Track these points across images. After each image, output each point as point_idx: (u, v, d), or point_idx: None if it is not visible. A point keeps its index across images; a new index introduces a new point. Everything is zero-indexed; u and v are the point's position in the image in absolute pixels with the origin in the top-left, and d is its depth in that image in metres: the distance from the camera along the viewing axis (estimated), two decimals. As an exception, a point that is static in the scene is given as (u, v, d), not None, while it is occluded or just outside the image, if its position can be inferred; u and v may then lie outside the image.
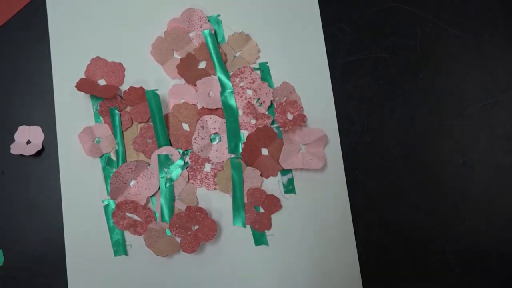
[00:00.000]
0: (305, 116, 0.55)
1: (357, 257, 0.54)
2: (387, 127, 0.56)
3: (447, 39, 0.57)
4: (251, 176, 0.55)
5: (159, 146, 0.55)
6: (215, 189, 0.56)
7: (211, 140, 0.56)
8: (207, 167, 0.56)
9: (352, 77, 0.57)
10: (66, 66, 0.57)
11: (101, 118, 0.56)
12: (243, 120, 0.56)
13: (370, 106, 0.57)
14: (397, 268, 0.54)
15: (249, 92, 0.56)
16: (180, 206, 0.55)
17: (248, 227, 0.55)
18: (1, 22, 0.58)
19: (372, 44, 0.57)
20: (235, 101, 0.56)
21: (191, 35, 0.57)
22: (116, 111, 0.56)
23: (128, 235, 0.55)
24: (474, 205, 0.55)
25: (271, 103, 0.56)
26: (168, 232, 0.54)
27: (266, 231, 0.55)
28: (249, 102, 0.56)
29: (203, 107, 0.56)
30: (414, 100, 0.56)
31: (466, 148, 0.55)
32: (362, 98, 0.57)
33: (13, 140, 0.56)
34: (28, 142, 0.56)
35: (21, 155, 0.56)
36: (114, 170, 0.55)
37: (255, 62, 0.57)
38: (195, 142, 0.55)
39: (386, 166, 0.56)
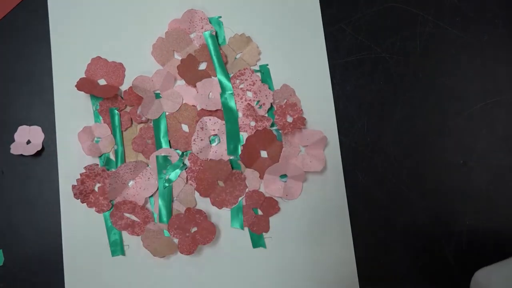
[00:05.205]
0: (305, 119, 0.52)
1: (355, 259, 0.51)
2: (387, 127, 0.53)
3: (447, 39, 0.54)
4: (249, 178, 0.52)
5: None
6: (214, 189, 0.52)
7: (210, 141, 0.52)
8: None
9: (352, 77, 0.54)
10: (67, 65, 0.54)
11: (101, 117, 0.53)
12: (243, 122, 0.52)
13: (370, 106, 0.53)
14: (396, 268, 0.51)
15: (249, 94, 0.53)
16: (178, 207, 0.52)
17: (246, 229, 0.52)
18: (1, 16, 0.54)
19: (372, 44, 0.54)
20: (235, 103, 0.52)
21: (192, 36, 0.54)
22: (116, 111, 0.52)
23: (125, 235, 0.52)
24: (474, 205, 0.51)
25: (271, 106, 0.53)
26: (166, 233, 0.51)
27: (264, 233, 0.52)
28: (249, 104, 0.52)
29: (202, 109, 0.52)
30: (414, 100, 0.53)
31: (466, 148, 0.52)
32: (362, 98, 0.53)
33: (13, 140, 0.53)
34: (28, 142, 0.53)
35: (21, 155, 0.52)
36: (113, 170, 0.52)
37: (256, 64, 0.54)
38: (194, 143, 0.52)
39: (386, 166, 0.52)
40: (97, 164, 0.51)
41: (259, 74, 0.54)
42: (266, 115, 0.53)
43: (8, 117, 0.53)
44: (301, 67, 0.54)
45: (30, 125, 0.53)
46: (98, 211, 0.51)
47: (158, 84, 0.52)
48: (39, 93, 0.54)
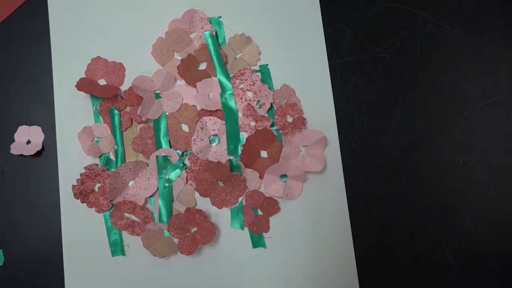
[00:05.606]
0: (305, 119, 0.52)
1: (355, 259, 0.51)
2: (387, 127, 0.52)
3: (447, 39, 0.53)
4: (249, 178, 0.51)
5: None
6: (214, 189, 0.52)
7: (210, 141, 0.52)
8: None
9: (352, 77, 0.53)
10: (67, 65, 0.53)
11: (101, 117, 0.52)
12: (243, 122, 0.52)
13: (370, 106, 0.53)
14: (396, 268, 0.51)
15: (249, 94, 0.52)
16: (178, 207, 0.51)
17: (246, 229, 0.51)
18: (1, 19, 0.54)
19: (372, 44, 0.53)
20: (235, 103, 0.52)
21: (192, 36, 0.53)
22: (116, 111, 0.52)
23: (125, 235, 0.51)
24: (474, 205, 0.51)
25: (271, 106, 0.52)
26: (166, 233, 0.50)
27: (264, 233, 0.51)
28: (249, 104, 0.52)
29: (202, 109, 0.52)
30: (414, 100, 0.53)
31: (466, 148, 0.52)
32: (362, 98, 0.53)
33: (13, 140, 0.52)
34: (28, 142, 0.52)
35: (21, 155, 0.52)
36: (113, 170, 0.51)
37: (256, 64, 0.53)
38: (194, 143, 0.51)
39: (386, 166, 0.52)
40: (97, 164, 0.51)
41: (259, 74, 0.53)
42: (266, 115, 0.52)
43: (8, 117, 0.53)
44: (301, 67, 0.53)
45: (30, 125, 0.52)
46: (98, 211, 0.50)
47: (158, 84, 0.52)
48: (39, 93, 0.53)
